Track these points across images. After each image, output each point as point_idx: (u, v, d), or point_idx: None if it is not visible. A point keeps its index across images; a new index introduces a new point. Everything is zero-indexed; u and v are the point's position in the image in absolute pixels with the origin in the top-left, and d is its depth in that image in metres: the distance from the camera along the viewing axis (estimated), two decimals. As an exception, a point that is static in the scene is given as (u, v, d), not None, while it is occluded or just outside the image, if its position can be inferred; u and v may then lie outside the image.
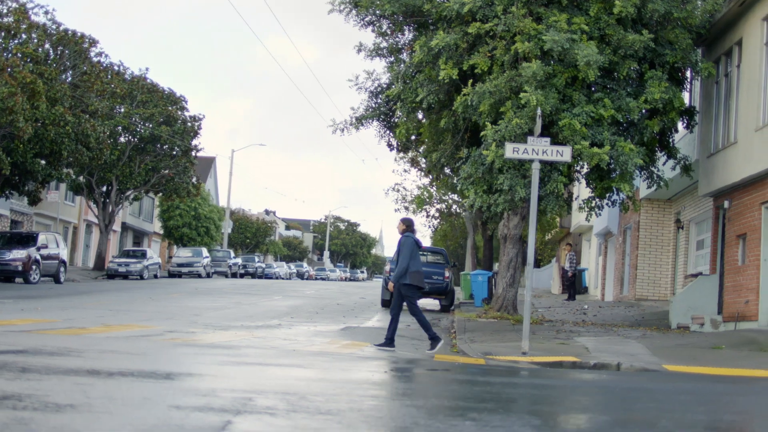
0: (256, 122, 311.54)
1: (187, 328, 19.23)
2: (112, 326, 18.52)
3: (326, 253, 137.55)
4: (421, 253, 34.89)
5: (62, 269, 41.86)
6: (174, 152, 55.81)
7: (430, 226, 63.61)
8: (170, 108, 54.72)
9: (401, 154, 44.34)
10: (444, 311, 33.59)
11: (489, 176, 23.92)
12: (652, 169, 25.03)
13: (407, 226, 18.11)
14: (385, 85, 27.39)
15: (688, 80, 26.33)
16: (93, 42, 44.72)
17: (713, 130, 25.98)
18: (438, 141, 27.80)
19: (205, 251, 65.06)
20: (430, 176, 41.90)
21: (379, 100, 28.10)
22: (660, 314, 28.15)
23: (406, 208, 55.02)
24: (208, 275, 63.31)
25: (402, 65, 26.18)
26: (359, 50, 27.19)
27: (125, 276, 52.30)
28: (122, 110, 52.24)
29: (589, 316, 28.18)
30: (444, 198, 55.33)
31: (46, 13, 43.26)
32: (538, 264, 69.86)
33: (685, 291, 26.34)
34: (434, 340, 17.44)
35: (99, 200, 55.37)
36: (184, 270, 61.63)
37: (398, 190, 55.73)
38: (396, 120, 27.35)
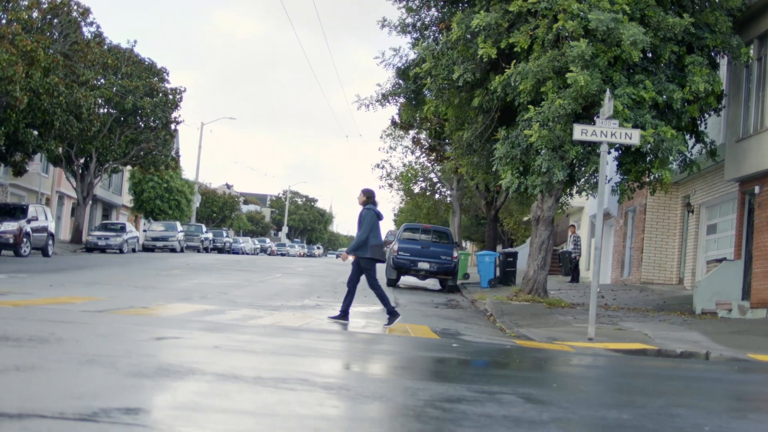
0: (202, 96, 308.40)
1: (237, 308, 18.74)
2: (170, 306, 18.03)
3: (284, 229, 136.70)
4: (423, 232, 35.01)
5: (50, 242, 41.02)
6: (154, 125, 54.84)
7: (402, 201, 63.56)
8: (153, 80, 53.78)
9: (403, 132, 44.18)
10: (450, 291, 33.35)
11: (525, 157, 23.63)
12: (686, 153, 24.86)
13: (368, 198, 17.87)
14: (411, 62, 26.95)
15: (721, 64, 26.18)
16: (85, 11, 43.74)
17: (743, 115, 25.86)
18: (463, 120, 27.46)
19: (179, 225, 64.35)
20: (436, 154, 41.73)
21: (399, 80, 27.71)
22: (681, 299, 28.11)
23: (391, 185, 54.87)
24: (182, 249, 62.68)
25: (431, 41, 25.82)
26: (383, 26, 26.87)
27: (103, 250, 51.50)
28: (102, 81, 51.10)
29: (608, 300, 28.03)
30: (428, 176, 55.23)
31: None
32: (511, 243, 69.95)
33: (709, 276, 26.28)
34: (392, 315, 17.29)
35: (77, 172, 54.29)
36: (159, 244, 61.04)
37: (383, 167, 55.50)
38: (422, 97, 26.95)
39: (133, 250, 54.57)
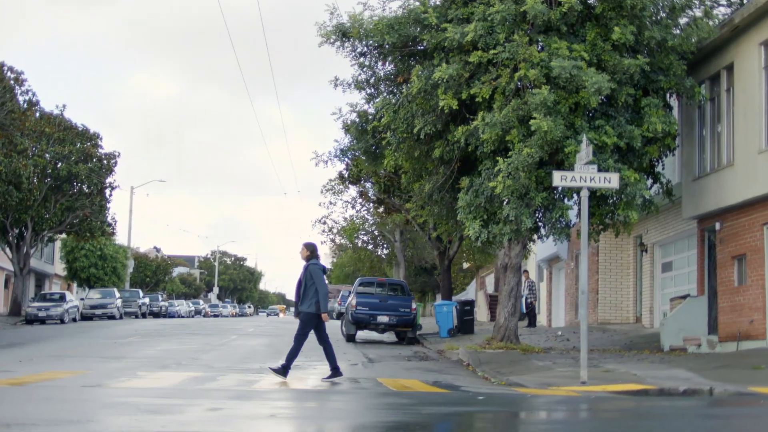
0: (124, 159, 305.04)
1: (224, 373, 18.48)
2: (159, 375, 17.71)
3: (215, 290, 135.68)
4: (378, 286, 34.91)
5: (-6, 316, 40.07)
6: (89, 190, 54.07)
7: (334, 256, 63.28)
8: (86, 145, 53.12)
9: (343, 186, 44.22)
10: (410, 343, 33.21)
11: (490, 206, 23.76)
12: (648, 195, 25.16)
13: (311, 252, 17.97)
14: (366, 114, 26.99)
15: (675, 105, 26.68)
16: (18, 77, 43.12)
17: (697, 154, 26.34)
18: (421, 172, 27.55)
19: (116, 292, 63.36)
20: (383, 206, 41.89)
21: (348, 136, 27.76)
22: (646, 337, 28.37)
23: (333, 240, 54.81)
24: (121, 316, 61.69)
25: (387, 95, 25.99)
26: (336, 85, 26.90)
27: (43, 321, 50.36)
28: (35, 149, 50.31)
29: (575, 343, 28.15)
30: (368, 229, 55.28)
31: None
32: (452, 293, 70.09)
33: (674, 313, 26.58)
34: (285, 370, 17.22)
35: (12, 243, 53.25)
36: (98, 312, 59.80)
37: (325, 222, 55.48)
38: (381, 151, 26.99)
39: (74, 320, 53.55)
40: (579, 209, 24.88)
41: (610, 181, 18.16)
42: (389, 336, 36.29)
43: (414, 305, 33.53)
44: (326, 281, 17.95)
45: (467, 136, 23.52)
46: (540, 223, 24.73)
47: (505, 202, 23.44)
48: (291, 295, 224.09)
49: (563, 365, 21.25)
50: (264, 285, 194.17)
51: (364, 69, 26.53)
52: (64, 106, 52.47)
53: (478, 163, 24.69)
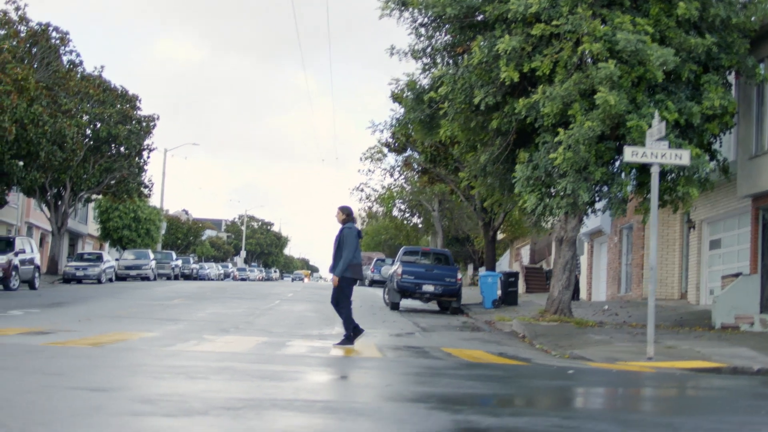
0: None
1: (290, 339, 18.55)
2: (227, 339, 17.82)
3: (242, 253, 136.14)
4: (422, 255, 34.89)
5: (37, 275, 40.28)
6: (128, 152, 54.24)
7: (364, 223, 63.21)
8: (125, 107, 53.21)
9: (389, 155, 44.25)
10: (453, 313, 33.22)
11: (549, 179, 23.70)
12: (708, 171, 25.04)
13: (347, 215, 17.70)
14: (426, 86, 26.85)
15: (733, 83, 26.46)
16: (64, 38, 43.15)
17: (755, 133, 26.15)
18: (475, 143, 27.48)
19: (150, 253, 63.72)
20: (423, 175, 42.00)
21: (393, 106, 27.65)
22: (696, 314, 28.28)
23: (370, 208, 54.88)
24: (155, 278, 62.08)
25: (445, 66, 25.87)
26: (392, 53, 26.74)
27: (80, 280, 50.79)
28: (77, 110, 50.39)
29: (624, 317, 28.16)
30: (407, 198, 55.26)
31: (17, 9, 41.53)
32: (482, 263, 70.08)
33: (727, 291, 26.45)
34: (349, 339, 17.19)
35: (51, 202, 53.52)
36: (132, 273, 60.21)
37: (362, 190, 55.50)
38: (437, 121, 26.89)
39: (110, 280, 53.92)
40: (637, 185, 24.97)
41: (681, 157, 18.03)
42: (430, 305, 36.32)
43: (459, 275, 33.52)
44: (359, 246, 17.69)
45: (528, 109, 23.41)
46: (596, 198, 24.63)
47: (562, 175, 23.36)
48: (314, 261, 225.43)
49: (621, 340, 21.27)
50: (289, 250, 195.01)
51: (421, 38, 26.38)
52: (102, 67, 52.57)
53: (535, 136, 24.62)
